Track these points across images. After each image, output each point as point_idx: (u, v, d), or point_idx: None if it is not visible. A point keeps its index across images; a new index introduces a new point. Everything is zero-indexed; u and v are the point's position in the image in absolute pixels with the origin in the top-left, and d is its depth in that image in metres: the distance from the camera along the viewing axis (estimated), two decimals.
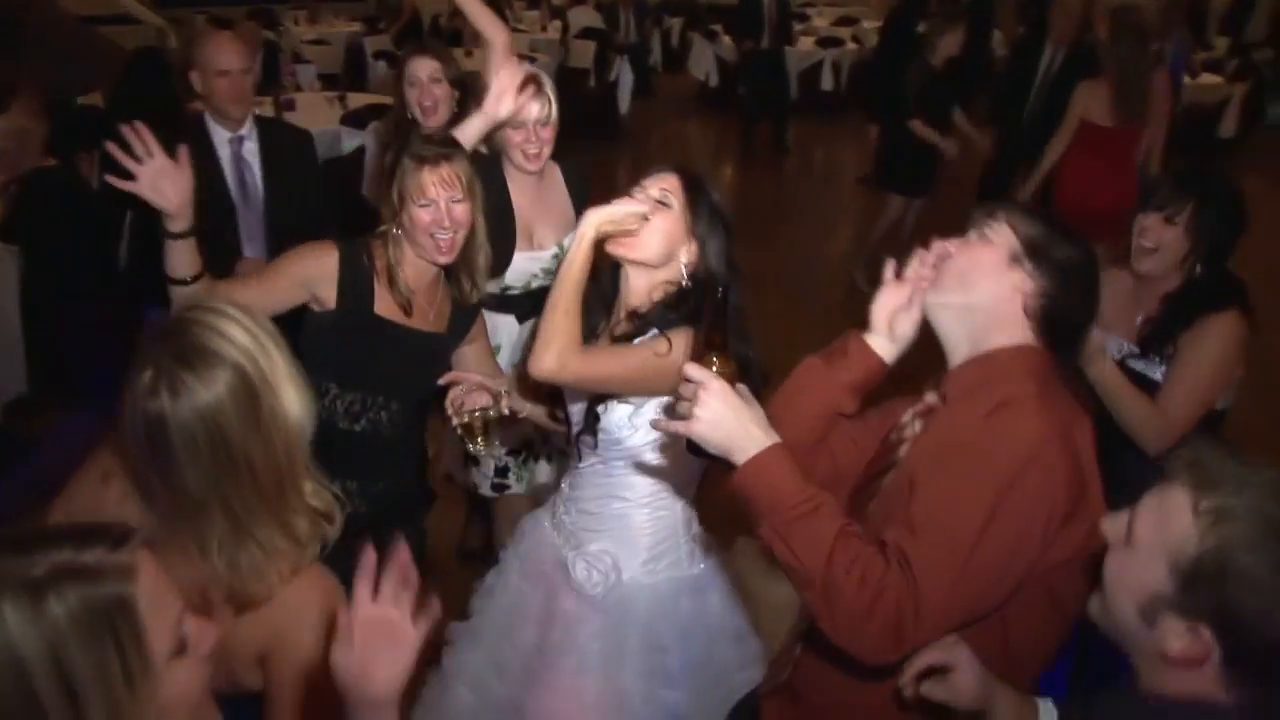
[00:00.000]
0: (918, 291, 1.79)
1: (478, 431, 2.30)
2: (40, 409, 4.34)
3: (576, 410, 2.31)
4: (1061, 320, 1.73)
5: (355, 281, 2.38)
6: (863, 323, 1.86)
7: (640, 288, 2.19)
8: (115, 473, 1.61)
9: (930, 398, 1.78)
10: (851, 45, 12.37)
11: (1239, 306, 2.60)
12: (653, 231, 2.11)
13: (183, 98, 6.00)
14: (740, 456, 1.55)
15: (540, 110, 2.87)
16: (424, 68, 3.38)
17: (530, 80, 2.81)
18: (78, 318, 4.08)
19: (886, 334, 1.82)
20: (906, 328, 1.81)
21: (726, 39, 11.94)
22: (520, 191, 3.00)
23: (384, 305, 2.42)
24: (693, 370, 1.57)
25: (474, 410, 2.30)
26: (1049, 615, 1.66)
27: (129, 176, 2.17)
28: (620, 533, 2.28)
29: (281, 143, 3.75)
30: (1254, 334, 2.63)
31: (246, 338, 1.44)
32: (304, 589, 1.53)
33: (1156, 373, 2.64)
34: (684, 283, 2.16)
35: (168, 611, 0.99)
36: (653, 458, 2.22)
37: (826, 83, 12.04)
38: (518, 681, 2.34)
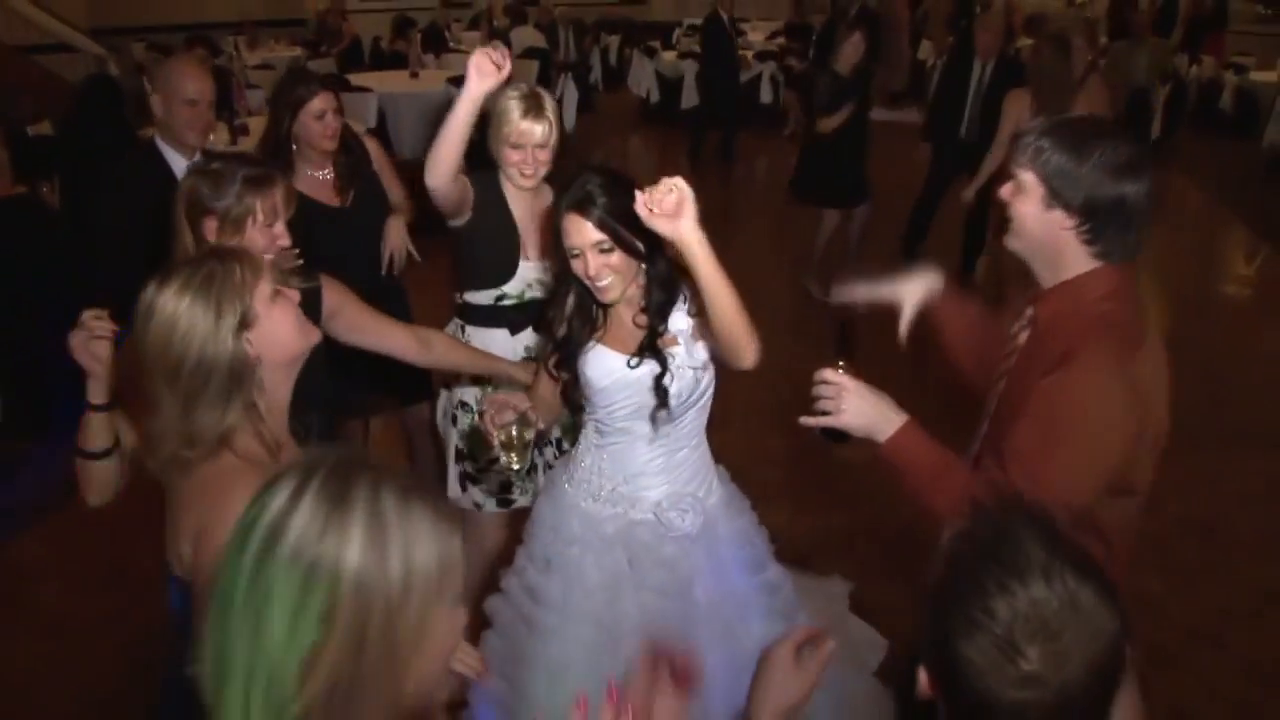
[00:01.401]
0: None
1: (514, 448, 2.34)
2: (13, 437, 4.33)
3: (628, 393, 2.38)
4: (1108, 243, 1.88)
5: None
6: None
7: (632, 293, 2.34)
8: None
9: (1029, 312, 2.04)
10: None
11: None
12: (614, 276, 2.26)
13: (133, 124, 6.06)
14: (882, 436, 1.98)
15: (541, 134, 2.95)
16: (329, 101, 3.41)
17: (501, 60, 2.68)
18: (53, 345, 4.04)
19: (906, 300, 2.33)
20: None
21: (666, 55, 12.12)
22: (516, 203, 3.08)
23: None
24: (830, 375, 2.00)
25: (508, 426, 2.33)
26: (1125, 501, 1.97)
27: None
28: (680, 474, 2.47)
29: None
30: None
31: None
32: (239, 477, 1.62)
33: None
34: (641, 270, 2.31)
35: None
36: (703, 406, 2.45)
37: (765, 95, 12.35)
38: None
